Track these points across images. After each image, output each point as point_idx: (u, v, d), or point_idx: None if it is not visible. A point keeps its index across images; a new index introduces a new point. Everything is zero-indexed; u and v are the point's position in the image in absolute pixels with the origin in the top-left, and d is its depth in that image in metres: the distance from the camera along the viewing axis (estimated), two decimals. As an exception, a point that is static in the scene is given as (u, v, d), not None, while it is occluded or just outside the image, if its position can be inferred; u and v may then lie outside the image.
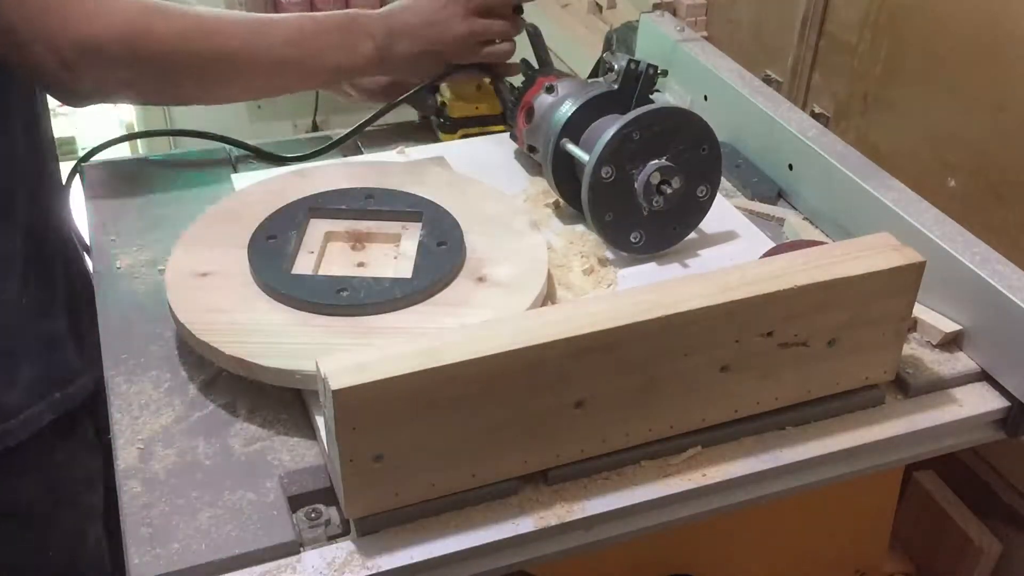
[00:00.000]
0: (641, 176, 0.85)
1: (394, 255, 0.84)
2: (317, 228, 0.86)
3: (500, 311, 0.77)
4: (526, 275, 0.82)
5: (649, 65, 0.91)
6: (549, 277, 0.83)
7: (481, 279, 0.81)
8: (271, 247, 0.81)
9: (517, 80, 1.04)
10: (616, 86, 0.91)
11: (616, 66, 0.91)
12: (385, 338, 0.74)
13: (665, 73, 0.93)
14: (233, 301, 0.77)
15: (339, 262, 0.84)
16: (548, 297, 0.83)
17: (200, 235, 0.85)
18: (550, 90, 0.95)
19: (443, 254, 0.82)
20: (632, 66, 0.90)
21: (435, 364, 0.60)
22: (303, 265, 0.81)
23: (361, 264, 0.84)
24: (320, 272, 0.82)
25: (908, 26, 1.07)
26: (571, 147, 0.89)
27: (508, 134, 1.06)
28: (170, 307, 0.77)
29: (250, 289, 0.78)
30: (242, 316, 0.76)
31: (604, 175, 0.84)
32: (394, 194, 0.89)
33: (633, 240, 0.88)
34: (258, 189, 0.91)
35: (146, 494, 0.67)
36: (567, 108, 0.91)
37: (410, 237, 0.85)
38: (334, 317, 0.76)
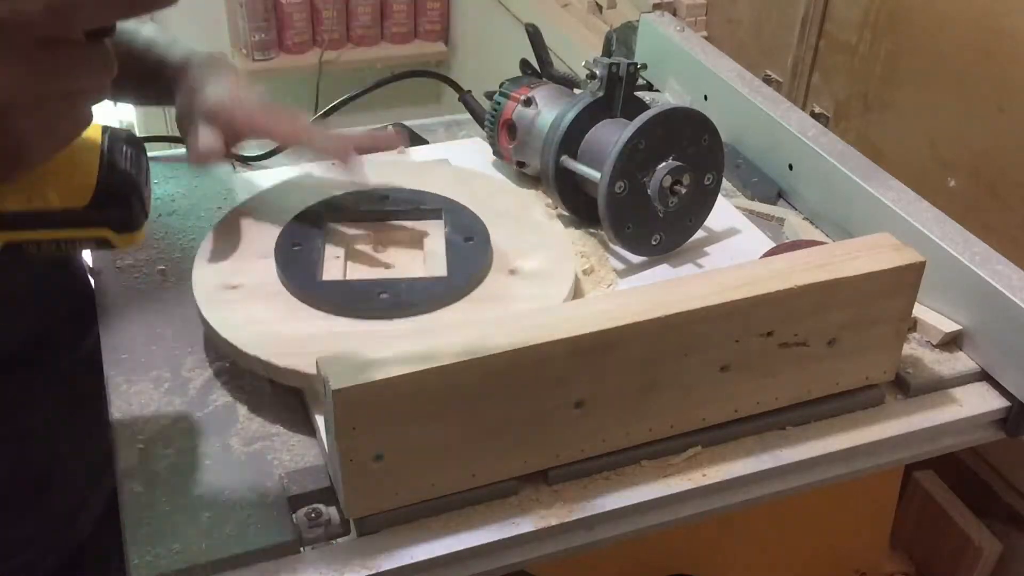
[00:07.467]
0: (653, 182, 0.85)
1: (419, 254, 0.84)
2: (338, 233, 0.85)
3: (540, 301, 0.77)
4: (556, 264, 0.82)
5: (629, 64, 0.91)
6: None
7: (512, 272, 0.81)
8: (298, 255, 0.80)
9: (477, 88, 1.02)
10: (601, 93, 0.91)
11: (598, 73, 0.91)
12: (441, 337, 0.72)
13: (645, 67, 0.93)
14: (272, 312, 0.76)
15: (366, 266, 0.83)
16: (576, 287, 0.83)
17: (219, 248, 0.83)
18: (528, 103, 0.95)
19: (473, 249, 0.82)
20: (614, 69, 0.90)
21: (435, 364, 0.60)
22: (332, 271, 0.80)
23: (388, 266, 0.84)
24: (349, 277, 0.81)
25: (908, 26, 1.07)
26: (576, 165, 0.89)
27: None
28: (207, 322, 0.75)
29: (284, 298, 0.77)
30: (285, 327, 0.75)
31: (617, 190, 0.84)
32: (409, 193, 0.89)
33: (653, 243, 0.88)
34: (266, 197, 0.90)
35: (146, 494, 0.67)
36: (557, 122, 0.91)
37: (432, 235, 0.85)
38: (378, 321, 0.75)
